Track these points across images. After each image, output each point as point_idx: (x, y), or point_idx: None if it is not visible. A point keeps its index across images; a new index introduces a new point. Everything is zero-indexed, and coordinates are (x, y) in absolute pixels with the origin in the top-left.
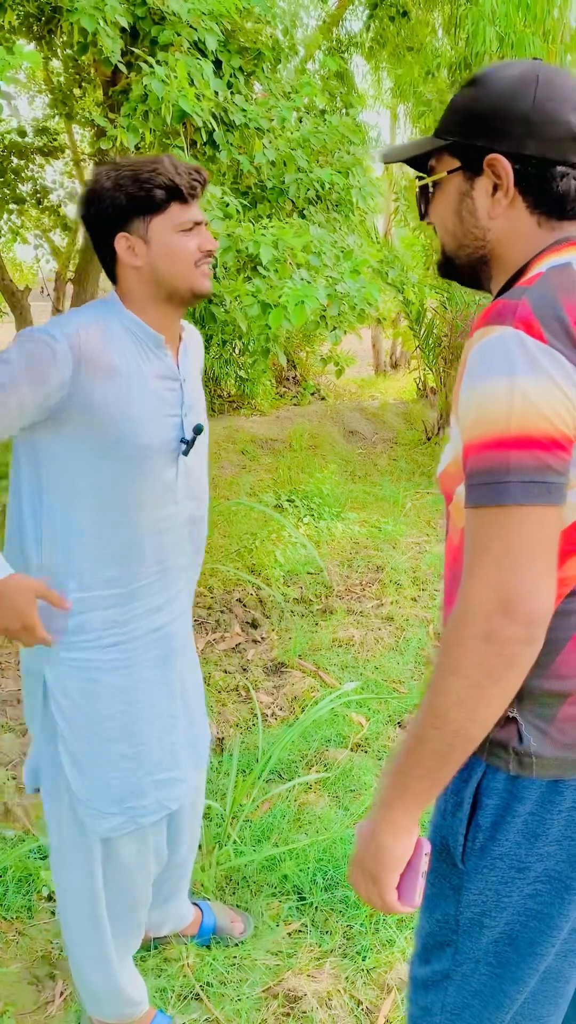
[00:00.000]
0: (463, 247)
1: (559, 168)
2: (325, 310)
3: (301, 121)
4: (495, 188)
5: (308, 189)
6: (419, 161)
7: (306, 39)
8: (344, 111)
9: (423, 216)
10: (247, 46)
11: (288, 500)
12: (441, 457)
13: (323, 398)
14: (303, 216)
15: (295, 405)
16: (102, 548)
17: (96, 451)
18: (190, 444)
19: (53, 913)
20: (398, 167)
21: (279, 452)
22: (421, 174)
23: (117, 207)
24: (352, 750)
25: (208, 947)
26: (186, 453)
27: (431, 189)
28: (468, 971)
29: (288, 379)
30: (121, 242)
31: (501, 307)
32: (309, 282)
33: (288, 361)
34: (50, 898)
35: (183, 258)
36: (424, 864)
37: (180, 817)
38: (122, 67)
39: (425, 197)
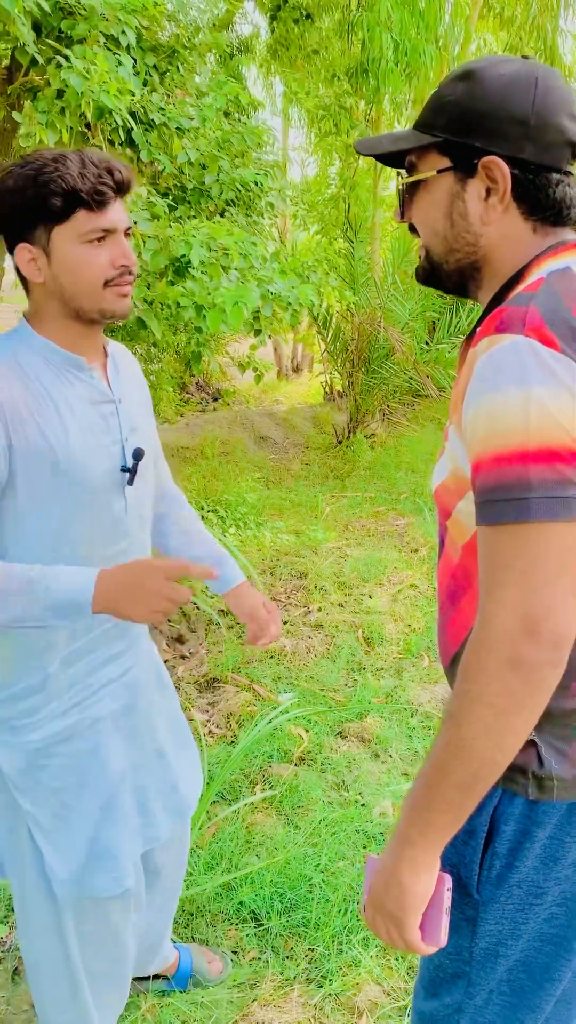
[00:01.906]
0: (453, 252)
1: (554, 175)
2: (259, 311)
3: (222, 121)
4: (488, 192)
5: (229, 190)
6: (395, 157)
7: (203, 41)
8: (242, 114)
9: (402, 216)
10: (160, 44)
11: (212, 510)
12: (435, 470)
13: (228, 404)
14: (223, 217)
15: (201, 411)
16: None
17: (40, 496)
18: (133, 472)
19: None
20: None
21: (192, 461)
22: (402, 171)
23: (15, 213)
24: (296, 764)
25: (163, 992)
26: (131, 482)
27: (408, 188)
28: (482, 1002)
29: (191, 386)
30: (22, 254)
31: (508, 315)
32: (242, 283)
33: (188, 368)
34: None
35: (89, 276)
36: (447, 900)
37: (163, 862)
38: (36, 55)
39: (407, 196)
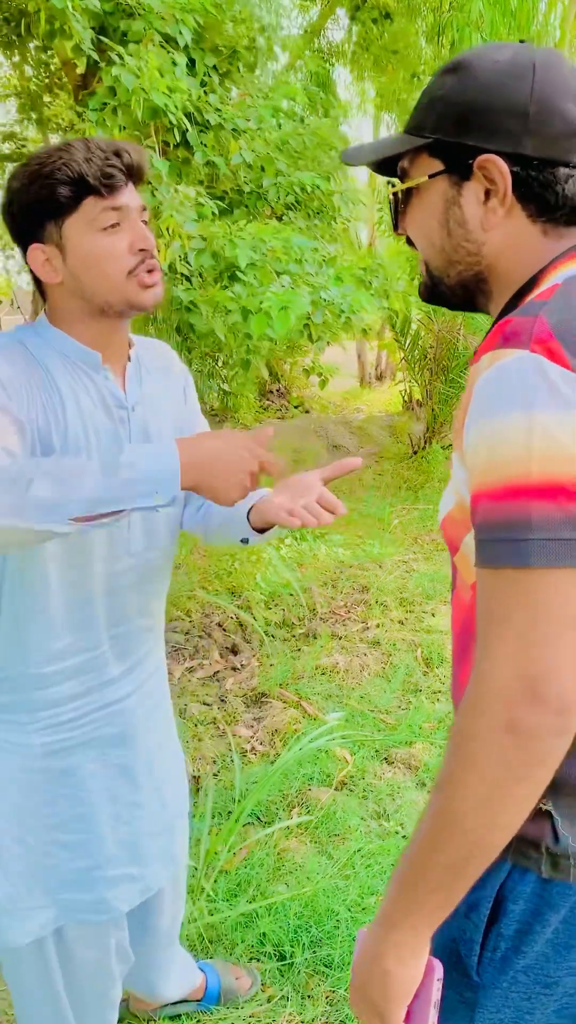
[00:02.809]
0: (453, 264)
1: (562, 170)
2: (309, 318)
3: (280, 125)
4: (487, 194)
5: (287, 193)
6: (388, 164)
7: (288, 44)
8: (324, 116)
9: (397, 227)
10: (222, 45)
11: None
12: (442, 500)
13: (307, 411)
14: (280, 220)
15: (279, 418)
16: (50, 617)
17: None
18: None
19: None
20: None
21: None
22: (393, 179)
23: (24, 212)
24: (336, 789)
25: (180, 1018)
26: None
27: (401, 196)
28: None
29: (272, 392)
30: (35, 255)
31: (514, 326)
32: (292, 288)
33: (272, 374)
34: None
35: (110, 265)
36: (436, 993)
37: (160, 901)
38: (99, 60)
39: (399, 206)
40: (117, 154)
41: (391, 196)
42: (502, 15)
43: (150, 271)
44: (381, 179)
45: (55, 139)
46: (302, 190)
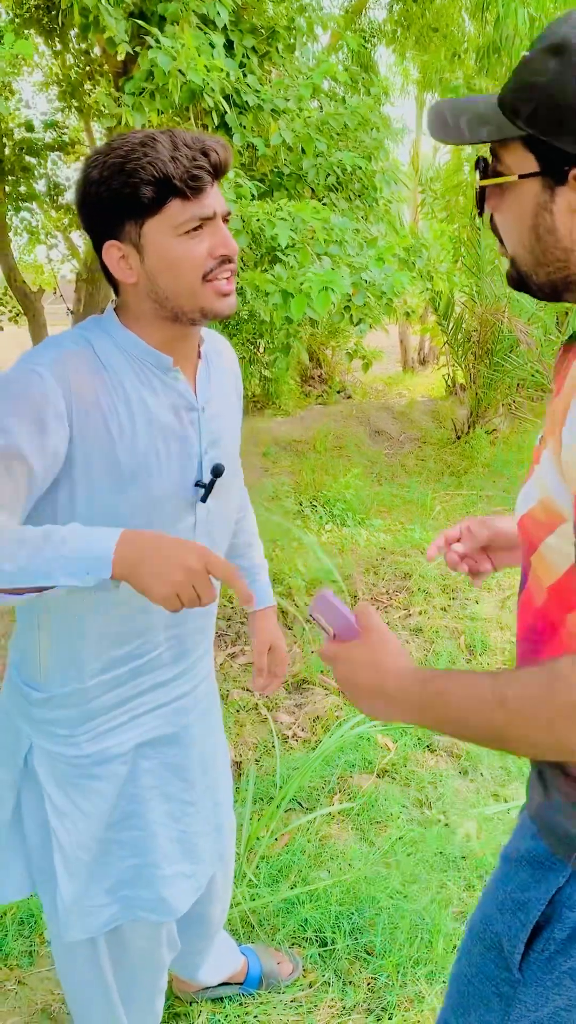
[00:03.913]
0: (542, 266)
1: None
2: (350, 300)
3: (321, 107)
4: None
5: (328, 175)
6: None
7: (326, 25)
8: (366, 96)
9: (480, 213)
10: (261, 25)
11: (311, 505)
12: (521, 495)
13: (349, 396)
14: (323, 203)
15: (321, 404)
16: (108, 624)
17: (96, 496)
18: (208, 488)
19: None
20: (430, 150)
21: (303, 454)
22: (483, 153)
23: (103, 207)
24: (379, 776)
25: (222, 1001)
26: (204, 499)
27: (486, 187)
28: None
29: (313, 378)
30: (111, 252)
31: None
32: (333, 269)
33: (313, 359)
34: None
35: (188, 270)
36: (338, 606)
37: (211, 891)
38: (132, 52)
39: (489, 196)
40: (204, 153)
41: (477, 187)
42: None
43: (227, 277)
44: (424, 160)
45: (96, 128)
46: (343, 171)
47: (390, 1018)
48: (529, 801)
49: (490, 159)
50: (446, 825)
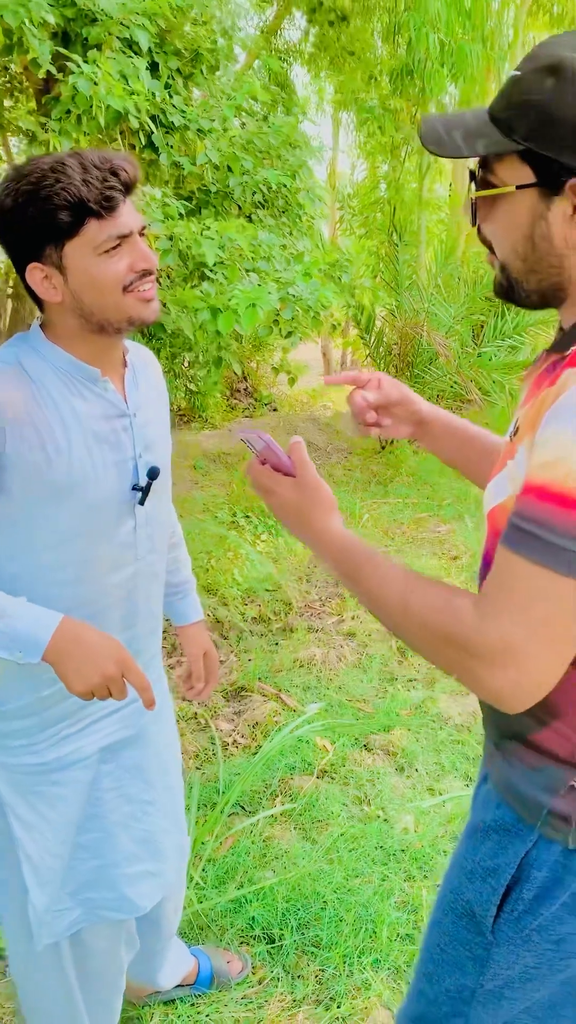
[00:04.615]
0: (534, 272)
1: None
2: (278, 314)
3: (243, 125)
4: (575, 210)
5: (254, 192)
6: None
7: (245, 45)
8: (287, 116)
9: (473, 223)
10: (184, 48)
11: (244, 516)
12: (491, 486)
13: (275, 409)
14: (250, 220)
15: (248, 417)
16: None
17: (37, 511)
18: (145, 491)
19: (3, 973)
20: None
21: (232, 466)
22: (474, 168)
23: (21, 234)
24: (318, 777)
25: (174, 1003)
26: (142, 502)
27: (478, 198)
28: None
29: (240, 391)
30: (34, 274)
31: None
32: (260, 284)
33: (238, 372)
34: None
35: (111, 286)
36: (273, 447)
37: (163, 909)
38: (55, 73)
39: (480, 206)
40: (114, 172)
41: (471, 198)
42: (457, 15)
43: (148, 287)
44: (341, 177)
45: (14, 143)
46: (268, 188)
47: (339, 1007)
48: (491, 773)
49: (478, 172)
50: (385, 820)
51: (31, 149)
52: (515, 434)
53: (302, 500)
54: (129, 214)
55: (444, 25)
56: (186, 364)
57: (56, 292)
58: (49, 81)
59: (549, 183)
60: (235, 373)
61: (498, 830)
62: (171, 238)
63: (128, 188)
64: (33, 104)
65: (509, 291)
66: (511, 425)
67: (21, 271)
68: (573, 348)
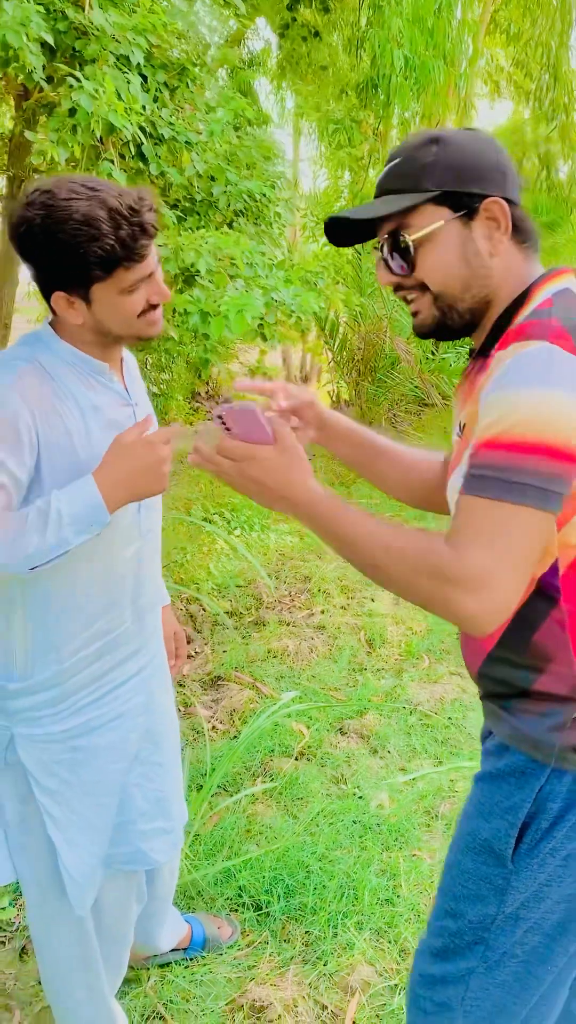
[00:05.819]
0: (469, 289)
1: (520, 209)
2: (263, 319)
3: (230, 141)
4: (490, 228)
5: (236, 201)
6: (364, 230)
7: (222, 59)
8: (253, 128)
9: (411, 271)
10: (170, 61)
11: (216, 513)
12: (453, 479)
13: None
14: (231, 227)
15: (210, 420)
16: (80, 603)
17: None
18: None
19: (3, 943)
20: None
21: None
22: (403, 232)
23: (52, 272)
24: (296, 759)
25: (169, 966)
26: None
27: (412, 245)
28: (494, 963)
29: (201, 394)
30: (59, 301)
31: (534, 325)
32: (247, 291)
33: (199, 376)
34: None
35: (129, 315)
36: (260, 415)
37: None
38: (41, 82)
39: (408, 253)
40: (143, 228)
41: (399, 247)
42: (420, 32)
43: (158, 315)
44: (304, 185)
45: None
46: (251, 198)
47: (325, 964)
48: (495, 729)
49: (391, 237)
50: (361, 798)
51: (28, 157)
52: (463, 430)
53: (286, 460)
54: (151, 256)
55: (407, 41)
56: (148, 365)
57: (78, 315)
58: (27, 87)
59: (467, 211)
60: (198, 377)
61: (513, 773)
62: (170, 247)
63: (152, 236)
64: (13, 111)
65: (441, 320)
66: (455, 426)
67: (47, 294)
68: (496, 345)
